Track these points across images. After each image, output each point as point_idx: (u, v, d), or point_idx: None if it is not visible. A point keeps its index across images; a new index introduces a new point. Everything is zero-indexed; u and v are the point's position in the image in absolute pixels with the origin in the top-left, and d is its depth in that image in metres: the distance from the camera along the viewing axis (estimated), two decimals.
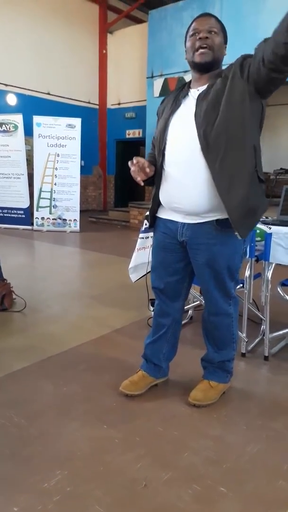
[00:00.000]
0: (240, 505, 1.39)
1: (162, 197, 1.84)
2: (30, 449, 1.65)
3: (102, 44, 10.99)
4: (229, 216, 1.67)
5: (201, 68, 1.72)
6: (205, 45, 1.66)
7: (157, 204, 1.89)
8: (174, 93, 1.85)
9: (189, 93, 1.77)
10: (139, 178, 1.73)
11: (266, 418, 1.89)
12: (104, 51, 11.04)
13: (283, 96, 7.93)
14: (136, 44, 10.40)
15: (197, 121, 1.66)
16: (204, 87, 1.72)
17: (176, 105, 1.78)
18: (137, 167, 1.72)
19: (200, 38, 1.67)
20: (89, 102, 11.02)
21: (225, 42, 1.74)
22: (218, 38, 1.69)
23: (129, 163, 1.73)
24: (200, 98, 1.68)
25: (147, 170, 1.73)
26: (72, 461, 1.59)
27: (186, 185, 1.72)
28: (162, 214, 1.90)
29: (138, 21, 11.18)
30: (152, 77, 9.46)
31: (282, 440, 1.74)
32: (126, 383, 2.04)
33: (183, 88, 1.83)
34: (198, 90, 1.73)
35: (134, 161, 1.72)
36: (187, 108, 1.74)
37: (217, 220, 1.74)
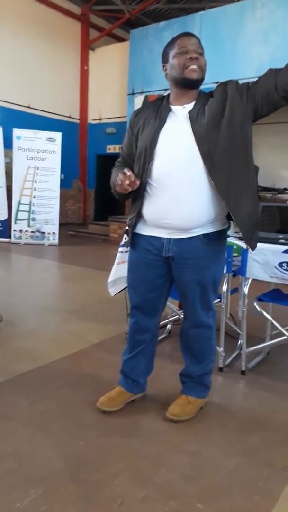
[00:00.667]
0: None
1: (148, 213, 1.81)
2: (3, 467, 1.61)
3: (84, 60, 11.12)
4: (240, 230, 1.77)
5: (190, 85, 1.74)
6: (197, 64, 1.71)
7: (138, 220, 1.86)
8: (151, 108, 1.84)
9: (172, 110, 1.78)
10: (130, 189, 1.72)
11: (243, 432, 1.90)
12: (85, 67, 11.16)
13: None
14: (117, 61, 10.56)
15: (198, 139, 1.68)
16: (190, 104, 1.75)
17: (160, 121, 1.77)
18: (129, 179, 1.68)
19: (191, 58, 1.70)
20: (70, 117, 11.07)
21: None
22: (204, 59, 1.74)
23: (121, 175, 1.69)
24: (194, 118, 1.71)
25: (137, 183, 1.71)
26: (47, 480, 1.55)
27: (183, 202, 1.72)
28: (144, 230, 1.87)
29: (120, 39, 11.39)
30: (133, 94, 9.60)
31: (258, 454, 1.75)
32: (103, 399, 2.02)
33: (161, 103, 1.83)
34: (184, 108, 1.76)
35: (128, 173, 1.68)
36: (177, 125, 1.75)
37: (204, 234, 1.78)
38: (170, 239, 1.80)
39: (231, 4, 8.60)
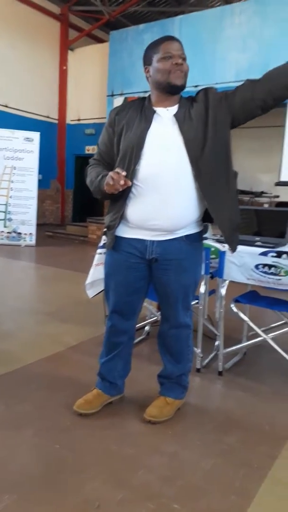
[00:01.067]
0: None
1: (133, 215, 1.78)
2: None
3: (63, 60, 11.04)
4: (222, 233, 1.82)
5: (174, 90, 1.75)
6: (182, 70, 1.72)
7: (120, 222, 1.82)
8: (133, 108, 1.82)
9: (157, 112, 1.78)
10: (121, 189, 1.68)
11: (220, 433, 1.91)
12: (64, 67, 11.09)
13: None
14: (96, 62, 10.54)
15: (186, 143, 1.70)
16: (174, 107, 1.76)
17: (146, 122, 1.76)
18: (123, 178, 1.64)
19: (176, 64, 1.70)
20: (48, 117, 10.97)
21: None
22: (186, 65, 1.75)
23: (113, 174, 1.63)
24: (181, 121, 1.73)
25: (129, 183, 1.68)
26: (22, 484, 1.52)
27: (171, 203, 1.73)
28: (126, 233, 1.84)
29: (99, 40, 11.37)
30: (113, 95, 9.60)
31: (234, 454, 1.76)
32: (80, 402, 2.00)
33: (143, 103, 1.82)
34: (167, 110, 1.77)
35: (122, 173, 1.64)
36: (163, 127, 1.75)
37: (186, 235, 1.81)
38: (153, 241, 1.80)
39: (210, 9, 8.72)
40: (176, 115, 1.74)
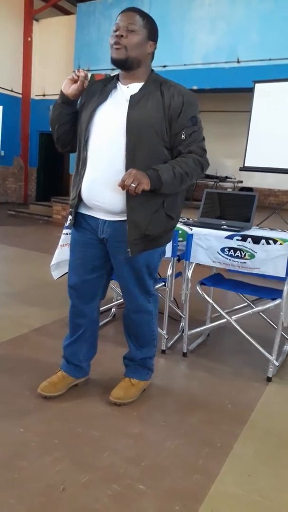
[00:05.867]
0: (158, 501, 1.41)
1: (84, 192, 1.77)
2: None
3: (27, 31, 10.52)
4: (127, 232, 1.70)
5: (116, 65, 1.69)
6: (118, 43, 1.63)
7: (79, 198, 1.80)
8: (102, 83, 1.79)
9: (117, 87, 1.74)
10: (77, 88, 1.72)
11: (184, 413, 1.94)
12: (29, 39, 10.58)
13: (208, 103, 8.27)
14: (63, 35, 10.12)
15: (129, 129, 1.63)
16: (137, 85, 1.69)
17: (102, 96, 1.72)
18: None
19: (116, 36, 1.63)
20: (12, 90, 10.50)
21: (152, 39, 1.68)
22: (137, 37, 1.63)
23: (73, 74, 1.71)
24: (134, 102, 1.65)
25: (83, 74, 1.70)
26: None
27: (107, 184, 1.69)
28: (83, 209, 1.83)
29: (66, 12, 10.90)
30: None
31: (198, 434, 1.80)
32: (44, 385, 1.97)
33: (112, 79, 1.78)
34: (128, 88, 1.71)
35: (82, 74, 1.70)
36: (115, 104, 1.70)
37: None
38: (105, 220, 1.78)
39: None
40: (132, 96, 1.66)
